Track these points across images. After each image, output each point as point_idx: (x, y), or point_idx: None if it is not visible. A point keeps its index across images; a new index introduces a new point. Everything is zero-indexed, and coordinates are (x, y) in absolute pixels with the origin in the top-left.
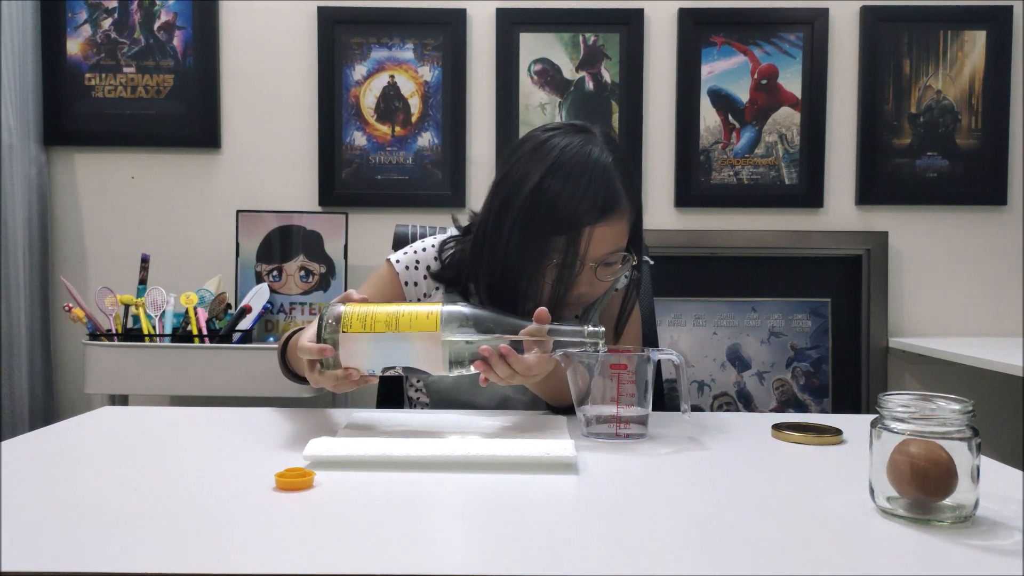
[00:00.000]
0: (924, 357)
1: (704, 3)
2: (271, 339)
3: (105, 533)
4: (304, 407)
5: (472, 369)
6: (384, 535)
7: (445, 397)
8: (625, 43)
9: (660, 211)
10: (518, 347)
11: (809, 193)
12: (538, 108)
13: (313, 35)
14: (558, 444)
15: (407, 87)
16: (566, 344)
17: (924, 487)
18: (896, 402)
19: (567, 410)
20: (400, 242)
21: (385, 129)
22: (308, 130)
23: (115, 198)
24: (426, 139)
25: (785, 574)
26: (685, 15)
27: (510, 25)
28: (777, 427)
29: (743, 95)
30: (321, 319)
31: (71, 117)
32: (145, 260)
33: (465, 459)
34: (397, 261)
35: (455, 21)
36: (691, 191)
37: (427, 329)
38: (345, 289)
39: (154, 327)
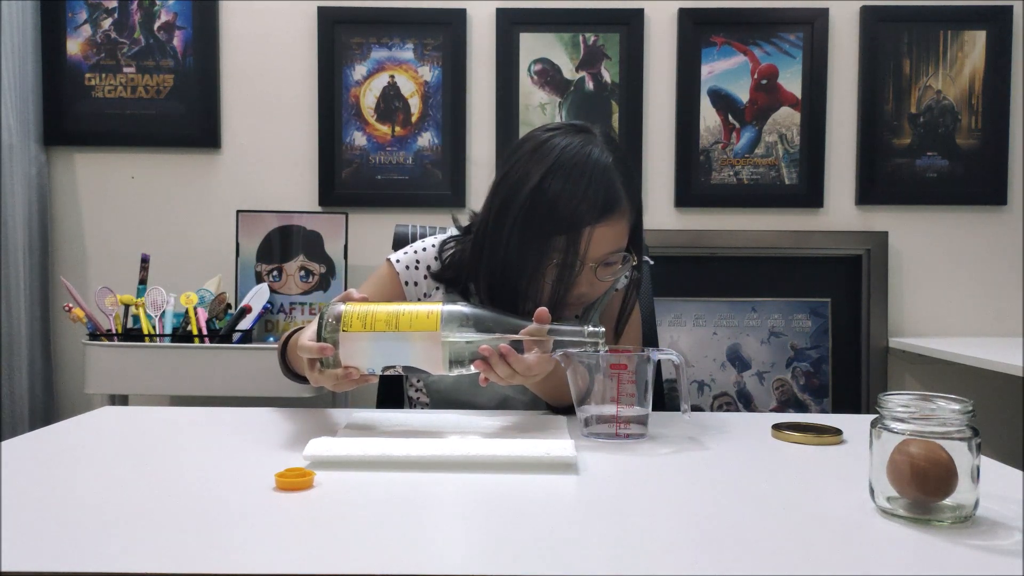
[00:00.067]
0: (924, 357)
1: (704, 3)
2: (271, 339)
3: (105, 533)
4: (304, 407)
5: (472, 369)
6: (384, 535)
7: (445, 397)
8: (625, 43)
9: (660, 211)
10: (518, 347)
11: (809, 193)
12: (538, 108)
13: (313, 35)
14: (558, 444)
15: (407, 87)
16: (566, 344)
17: (924, 487)
18: (896, 402)
19: (567, 410)
20: (400, 242)
21: (385, 129)
22: (308, 130)
23: (115, 198)
24: (426, 139)
25: (785, 574)
26: (685, 15)
27: (510, 25)
28: (777, 427)
29: (743, 95)
30: (321, 318)
31: (71, 117)
32: (145, 260)
33: (465, 459)
34: (397, 261)
35: (455, 21)
36: (691, 191)
37: (427, 328)
38: (345, 289)
39: (154, 327)
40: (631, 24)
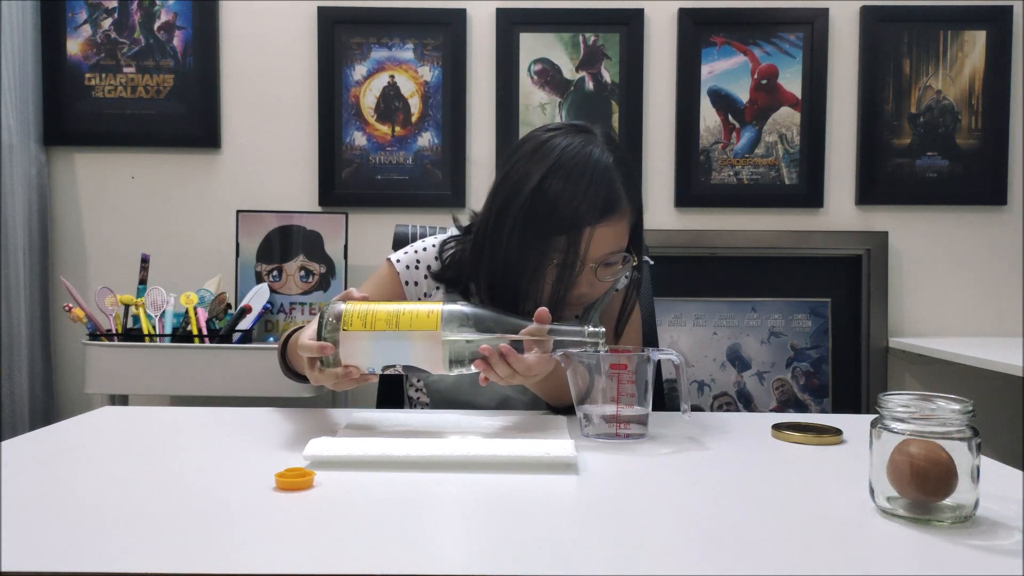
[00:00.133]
0: (924, 357)
1: (704, 3)
2: (271, 339)
3: (105, 533)
4: (304, 407)
5: (472, 368)
6: (384, 535)
7: (445, 397)
8: (625, 43)
9: (660, 211)
10: (518, 347)
11: (809, 193)
12: (538, 108)
13: (313, 35)
14: (558, 444)
15: (407, 87)
16: (566, 344)
17: (924, 487)
18: (896, 402)
19: (567, 410)
20: (400, 242)
21: (385, 129)
22: (308, 130)
23: (115, 198)
24: (426, 139)
25: (785, 574)
26: (685, 15)
27: (510, 25)
28: (777, 427)
29: (743, 95)
30: (322, 317)
31: (71, 117)
32: (145, 260)
33: (465, 459)
34: (398, 261)
35: (455, 21)
36: (691, 191)
37: (427, 328)
38: (345, 289)
39: (154, 327)
40: (631, 24)
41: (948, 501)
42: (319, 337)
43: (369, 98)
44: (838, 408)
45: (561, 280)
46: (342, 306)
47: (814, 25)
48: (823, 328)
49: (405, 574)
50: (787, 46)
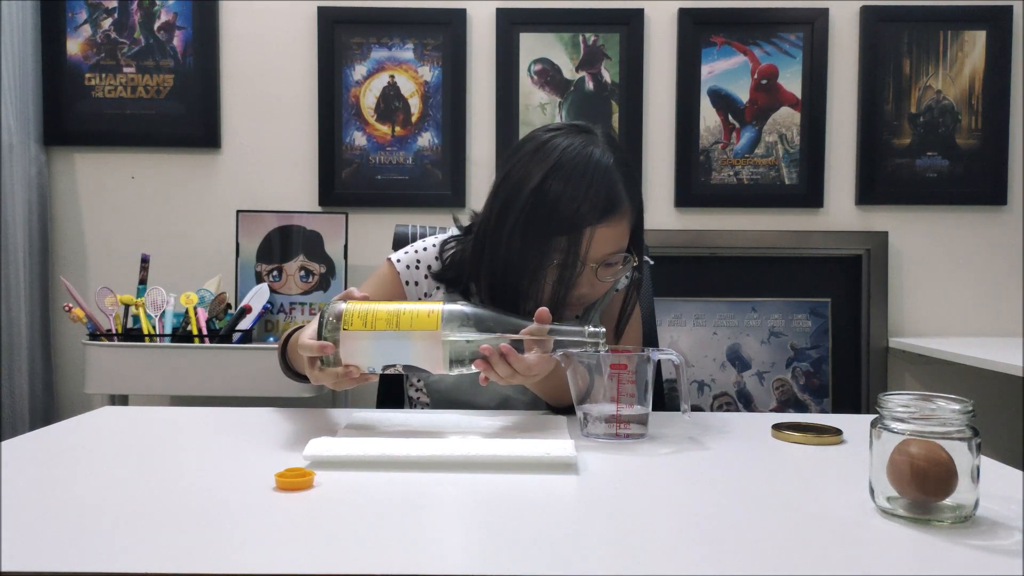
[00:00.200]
0: (924, 357)
1: (704, 3)
2: (271, 339)
3: (105, 533)
4: (304, 407)
5: (472, 368)
6: (384, 535)
7: (445, 397)
8: (625, 43)
9: (660, 211)
10: (519, 346)
11: (809, 193)
12: (538, 108)
13: (313, 35)
14: (558, 444)
15: (407, 87)
16: (566, 344)
17: (924, 487)
18: (896, 402)
19: (567, 410)
20: (400, 242)
21: (385, 129)
22: (308, 130)
23: (115, 198)
24: (426, 139)
25: (785, 574)
26: (685, 15)
27: (510, 25)
28: (777, 427)
29: (743, 95)
30: (322, 317)
31: (71, 117)
32: (145, 260)
33: (465, 459)
34: (398, 260)
35: (455, 21)
36: (691, 191)
37: (428, 328)
38: (345, 289)
39: (154, 327)
40: (631, 24)
41: (948, 501)
42: (319, 336)
43: (369, 98)
44: (838, 408)
45: (562, 280)
46: (342, 305)
47: (814, 25)
48: (823, 328)
49: (405, 574)
50: (787, 46)
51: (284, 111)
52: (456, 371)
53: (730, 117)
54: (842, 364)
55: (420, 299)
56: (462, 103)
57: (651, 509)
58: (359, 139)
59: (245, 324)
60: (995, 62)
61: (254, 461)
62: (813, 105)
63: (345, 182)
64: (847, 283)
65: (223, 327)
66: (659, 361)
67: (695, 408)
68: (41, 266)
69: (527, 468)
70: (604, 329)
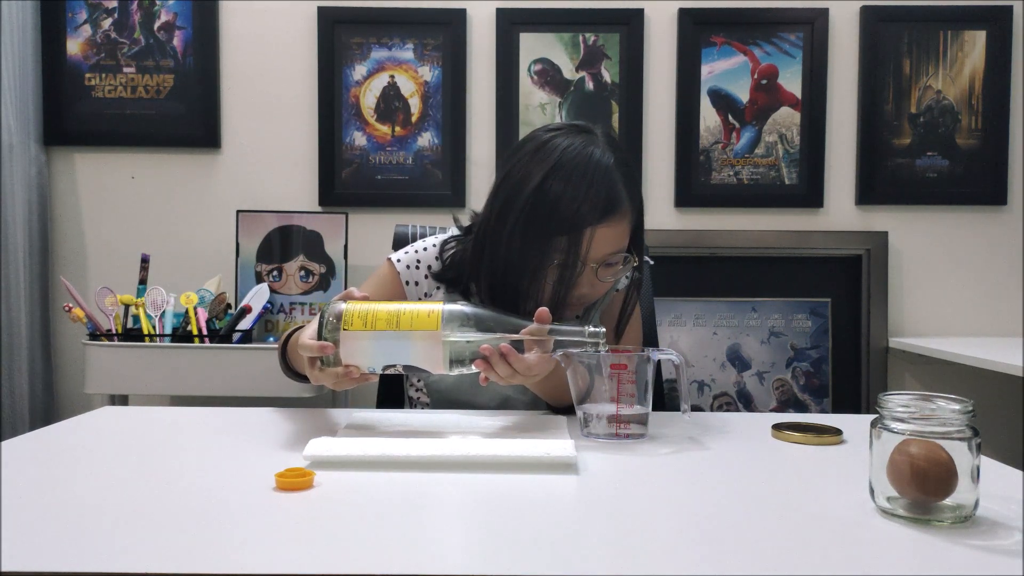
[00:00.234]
0: (924, 357)
1: (704, 3)
2: (271, 339)
3: (105, 533)
4: (304, 407)
5: (473, 368)
6: (384, 535)
7: (445, 397)
8: (625, 43)
9: (660, 211)
10: (519, 346)
11: (809, 193)
12: (538, 108)
13: (313, 35)
14: (558, 444)
15: (407, 87)
16: (567, 344)
17: (924, 487)
18: (896, 402)
19: (567, 410)
20: (400, 242)
21: (385, 129)
22: (308, 130)
23: (115, 198)
24: (426, 139)
25: (785, 574)
26: (685, 15)
27: (510, 25)
28: (777, 427)
29: (743, 95)
30: (322, 317)
31: (71, 117)
32: (145, 260)
33: (465, 459)
34: (398, 260)
35: (455, 21)
36: (691, 191)
37: (428, 328)
38: (345, 289)
39: (154, 327)
40: (631, 24)
41: (948, 501)
42: (320, 337)
43: (369, 98)
44: (838, 408)
45: (562, 280)
46: (343, 306)
47: (814, 25)
48: (823, 328)
49: (405, 574)
50: (787, 46)
51: (284, 111)
52: (456, 371)
53: (730, 117)
54: (842, 364)
55: (420, 299)
56: (462, 103)
57: (651, 509)
58: (359, 139)
59: (245, 324)
60: (995, 62)
61: (254, 461)
62: (813, 105)
63: (345, 182)
64: (847, 283)
65: (223, 327)
66: (659, 361)
67: (695, 408)
68: (41, 266)
69: (527, 468)
70: (604, 329)
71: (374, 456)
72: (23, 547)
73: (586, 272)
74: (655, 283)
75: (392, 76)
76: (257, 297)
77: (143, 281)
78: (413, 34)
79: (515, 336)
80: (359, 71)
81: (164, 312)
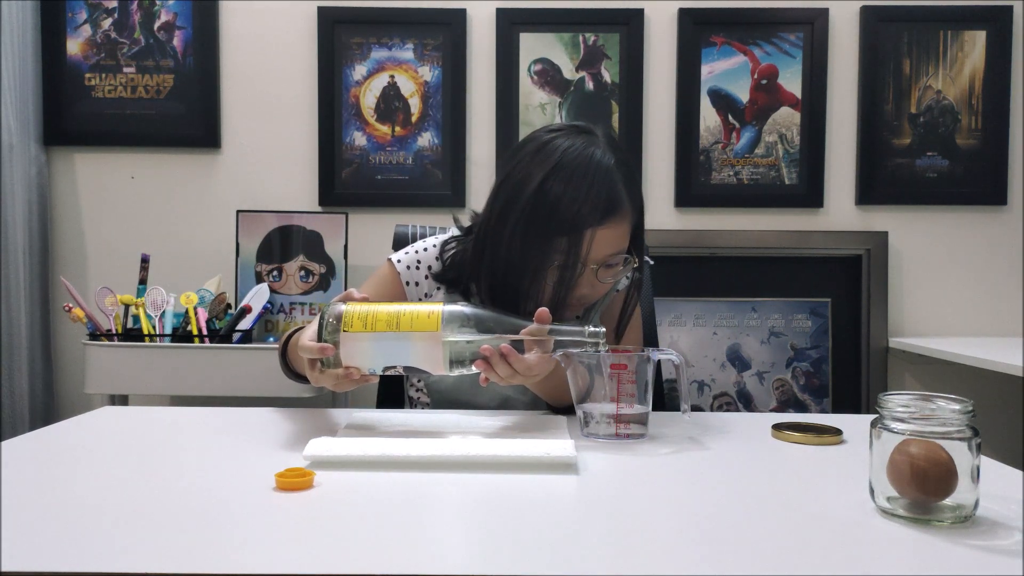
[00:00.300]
0: (924, 357)
1: (704, 3)
2: (271, 339)
3: (105, 533)
4: (304, 407)
5: (473, 369)
6: (384, 535)
7: (446, 397)
8: (625, 43)
9: (660, 211)
10: (519, 347)
11: (809, 193)
12: (538, 108)
13: (313, 35)
14: (558, 444)
15: (407, 87)
16: (567, 344)
17: (924, 487)
18: (896, 402)
19: (567, 410)
20: (400, 242)
21: (385, 129)
22: (308, 130)
23: (115, 198)
24: (426, 139)
25: (785, 574)
26: (685, 15)
27: (510, 25)
28: (777, 427)
29: (743, 95)
30: (322, 318)
31: (71, 117)
32: (145, 260)
33: (465, 459)
34: (398, 261)
35: (455, 21)
36: (691, 191)
37: (428, 329)
38: (345, 289)
39: (154, 327)
40: (631, 24)
41: (948, 501)
42: (319, 338)
43: (369, 98)
44: (838, 408)
45: (562, 281)
46: (342, 307)
47: (814, 25)
48: (823, 328)
49: (405, 574)
50: (787, 46)
51: (284, 111)
52: (456, 372)
53: (730, 117)
54: (842, 364)
55: (420, 299)
56: (462, 103)
57: (651, 509)
58: (359, 139)
59: (245, 324)
60: (995, 62)
61: (254, 461)
62: (813, 105)
63: (345, 182)
64: (847, 283)
65: (223, 327)
66: (659, 361)
67: (695, 408)
68: (41, 266)
69: (527, 468)
70: (604, 329)
71: (374, 456)
72: (23, 547)
73: (586, 273)
74: (655, 283)
75: (392, 76)
76: (257, 297)
77: (143, 281)
78: (413, 34)
79: (515, 336)
80: (359, 71)
81: (164, 312)
